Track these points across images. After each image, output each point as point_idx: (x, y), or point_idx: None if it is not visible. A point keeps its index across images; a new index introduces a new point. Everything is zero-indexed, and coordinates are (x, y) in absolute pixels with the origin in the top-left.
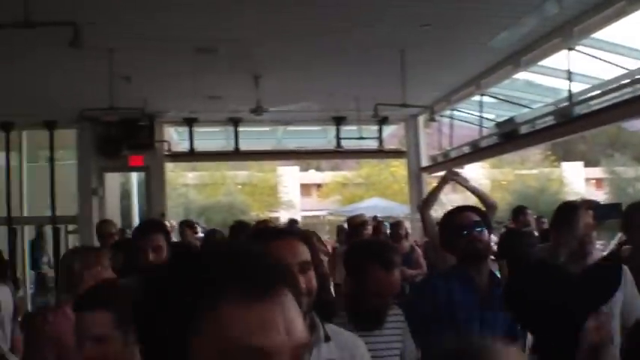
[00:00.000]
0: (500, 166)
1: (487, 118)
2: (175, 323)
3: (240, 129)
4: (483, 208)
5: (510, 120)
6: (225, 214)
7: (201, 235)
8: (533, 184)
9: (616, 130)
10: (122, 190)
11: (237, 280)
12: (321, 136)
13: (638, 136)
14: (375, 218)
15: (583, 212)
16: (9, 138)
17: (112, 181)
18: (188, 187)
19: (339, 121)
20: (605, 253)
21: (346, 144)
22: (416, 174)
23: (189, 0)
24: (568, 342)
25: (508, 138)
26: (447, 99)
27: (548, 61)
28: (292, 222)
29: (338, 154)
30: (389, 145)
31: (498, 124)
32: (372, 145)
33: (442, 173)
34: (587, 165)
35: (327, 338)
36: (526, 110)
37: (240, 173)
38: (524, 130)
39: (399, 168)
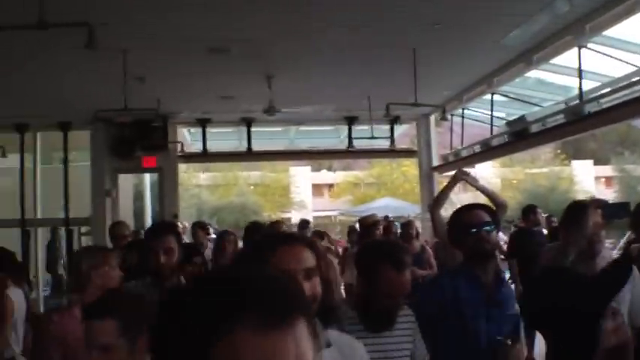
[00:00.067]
0: (510, 165)
1: (498, 117)
2: (191, 345)
3: (253, 129)
4: (493, 208)
5: (521, 118)
6: (238, 215)
7: (213, 236)
8: (543, 182)
9: (626, 128)
10: (135, 192)
11: (254, 306)
12: (333, 136)
13: None
14: (385, 218)
15: (592, 211)
16: (23, 139)
17: (126, 182)
18: (201, 188)
19: (351, 120)
20: (615, 252)
21: (358, 144)
22: (427, 173)
23: (201, 0)
24: (582, 343)
25: (519, 137)
26: (458, 98)
27: (559, 59)
28: (304, 222)
29: (350, 153)
30: (400, 144)
31: (509, 123)
32: (384, 144)
33: (453, 173)
34: (597, 163)
35: (329, 344)
36: (537, 108)
37: (252, 174)
38: (534, 128)
39: (410, 167)
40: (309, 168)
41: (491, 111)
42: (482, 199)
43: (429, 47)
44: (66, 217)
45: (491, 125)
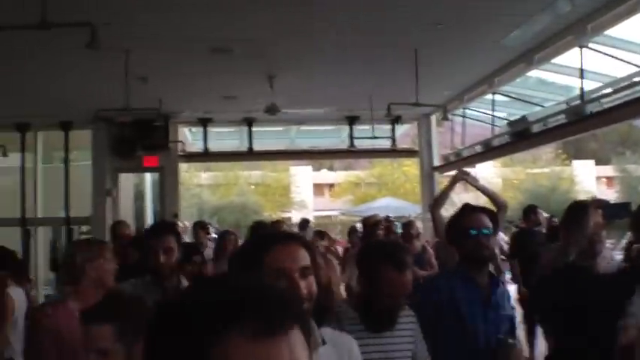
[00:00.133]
0: (511, 165)
1: (499, 117)
2: (185, 352)
3: (254, 129)
4: (494, 208)
5: (522, 118)
6: (238, 215)
7: (213, 236)
8: (544, 182)
9: (627, 128)
10: (136, 191)
11: (250, 314)
12: (334, 136)
13: None
14: (386, 218)
15: (593, 211)
16: (24, 139)
17: (126, 181)
18: (202, 188)
19: (352, 120)
20: (616, 252)
21: (359, 143)
22: (428, 173)
23: (204, 0)
24: (595, 341)
25: (520, 136)
26: (459, 98)
27: (561, 59)
28: (305, 222)
29: (351, 153)
30: (401, 144)
31: (510, 123)
32: (385, 144)
33: (454, 172)
34: (598, 163)
35: (323, 342)
36: (538, 109)
37: (253, 173)
38: (536, 128)
39: (411, 167)
40: (309, 168)
41: (493, 111)
42: (483, 199)
43: (431, 47)
44: (66, 217)
45: (493, 125)
